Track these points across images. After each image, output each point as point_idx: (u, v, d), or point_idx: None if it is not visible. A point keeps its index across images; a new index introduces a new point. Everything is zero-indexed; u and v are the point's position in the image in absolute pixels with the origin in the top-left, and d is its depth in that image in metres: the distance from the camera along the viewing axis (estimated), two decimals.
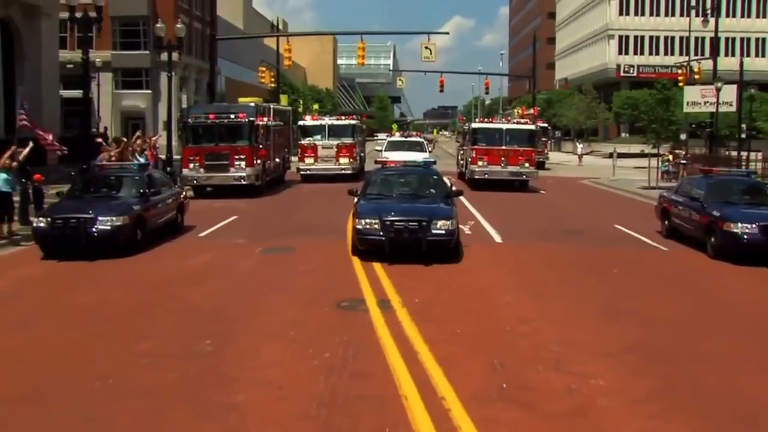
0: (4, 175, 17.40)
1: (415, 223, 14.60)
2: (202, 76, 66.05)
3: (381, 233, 14.59)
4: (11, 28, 37.79)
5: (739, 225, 15.55)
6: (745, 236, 15.45)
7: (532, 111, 65.53)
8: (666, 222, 19.36)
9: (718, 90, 41.01)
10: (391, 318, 10.67)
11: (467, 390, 7.74)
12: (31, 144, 20.10)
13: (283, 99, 60.48)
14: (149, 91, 60.42)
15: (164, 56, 52.44)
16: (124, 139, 28.87)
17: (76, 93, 52.51)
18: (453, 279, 13.62)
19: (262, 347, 9.44)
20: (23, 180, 19.66)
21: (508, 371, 8.53)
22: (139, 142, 29.41)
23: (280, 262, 15.36)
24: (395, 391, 7.76)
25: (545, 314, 11.28)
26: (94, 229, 15.18)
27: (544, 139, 53.34)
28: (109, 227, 15.27)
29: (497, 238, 18.86)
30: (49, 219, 15.47)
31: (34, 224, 15.91)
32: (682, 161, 40.52)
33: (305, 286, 13.08)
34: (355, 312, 11.14)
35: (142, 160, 27.27)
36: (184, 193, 20.97)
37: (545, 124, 60.09)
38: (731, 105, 43.98)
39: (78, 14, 25.23)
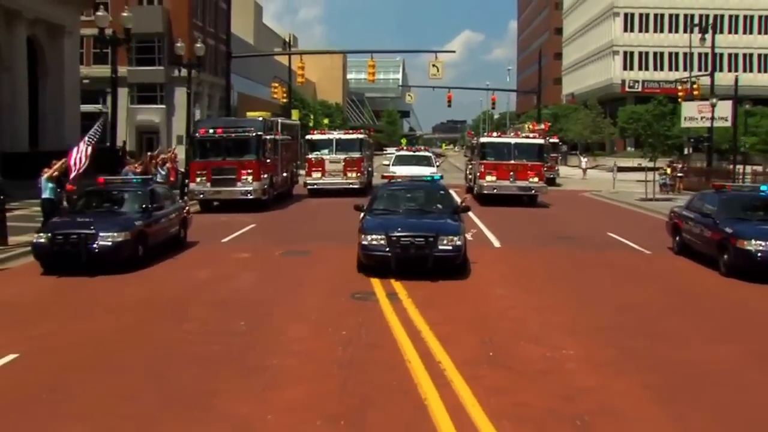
0: (51, 185, 19.21)
1: (422, 239, 14.42)
2: (214, 91, 68.05)
3: (387, 249, 14.45)
4: (36, 46, 39.70)
5: (753, 242, 15.04)
6: (759, 254, 14.91)
7: (543, 126, 63.98)
8: (677, 238, 18.88)
9: (713, 106, 42.71)
10: (398, 306, 12.36)
11: (460, 357, 9.43)
12: (64, 159, 21.84)
13: (295, 114, 62.38)
14: (163, 106, 62.33)
15: (178, 72, 54.75)
16: (154, 154, 30.30)
17: (91, 107, 54.57)
18: (454, 276, 15.12)
19: (288, 327, 11.18)
20: (58, 190, 21.41)
21: (495, 344, 10.24)
22: (163, 156, 31.20)
23: (299, 263, 17.07)
24: (401, 358, 9.48)
25: (531, 303, 13.06)
26: (95, 245, 14.89)
27: (555, 154, 51.34)
28: (110, 243, 14.99)
29: (496, 243, 20.54)
30: (49, 235, 15.12)
31: (34, 240, 15.56)
32: (679, 174, 42.19)
33: (322, 281, 14.80)
34: (367, 301, 12.82)
35: (163, 173, 29.14)
36: (187, 207, 20.66)
37: (557, 140, 57.42)
38: (726, 120, 45.66)
39: (108, 32, 26.61)
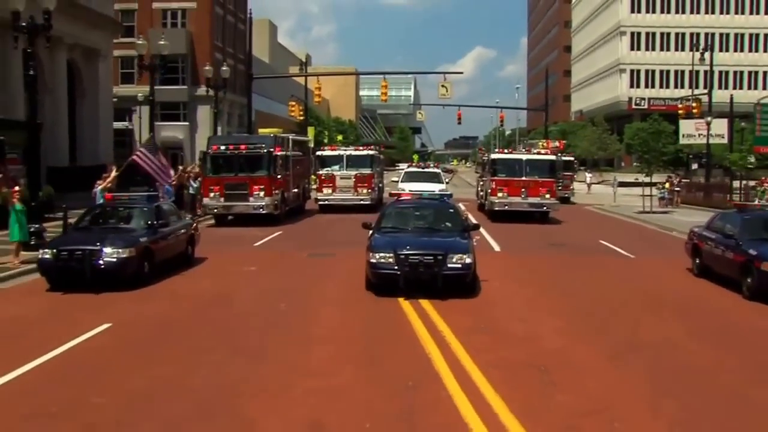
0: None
1: (431, 257, 14.33)
2: (233, 108, 70.96)
3: (396, 267, 14.36)
4: (74, 69, 42.67)
5: None
6: None
7: (557, 144, 62.68)
8: (697, 260, 18.17)
9: (708, 124, 45.15)
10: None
11: (458, 329, 11.96)
12: (114, 170, 24.56)
13: (311, 131, 65.22)
14: (187, 123, 65.12)
15: (200, 91, 57.61)
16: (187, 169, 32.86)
17: (119, 125, 57.48)
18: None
19: (321, 309, 13.82)
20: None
21: (488, 321, 12.82)
22: (191, 169, 33.88)
23: (325, 263, 19.75)
24: (411, 329, 12.08)
25: (521, 294, 15.73)
26: (100, 261, 14.90)
27: (569, 173, 49.35)
28: (115, 259, 14.99)
29: (497, 248, 23.12)
30: (54, 251, 15.20)
31: (40, 256, 15.62)
32: (676, 188, 44.60)
33: (346, 276, 17.23)
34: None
35: (195, 185, 31.82)
36: (195, 224, 20.80)
37: (571, 158, 54.84)
38: (723, 137, 48.06)
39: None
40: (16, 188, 18.53)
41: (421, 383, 9.26)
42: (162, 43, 30.05)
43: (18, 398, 8.70)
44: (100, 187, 22.34)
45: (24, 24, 18.65)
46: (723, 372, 10.14)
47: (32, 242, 18.32)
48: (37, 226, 18.91)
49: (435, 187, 32.56)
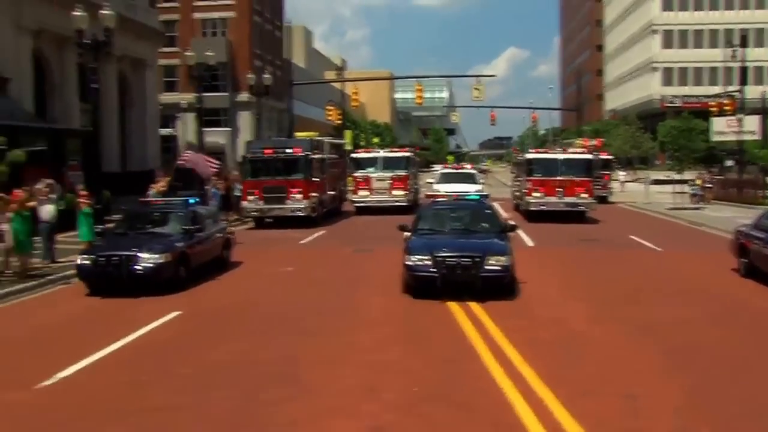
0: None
1: (468, 260, 14.29)
2: (271, 113, 72.64)
3: (433, 269, 14.34)
4: (122, 79, 44.65)
5: None
6: None
7: (595, 142, 62.09)
8: (745, 260, 17.25)
9: (740, 120, 45.70)
10: None
11: (492, 312, 13.23)
12: (168, 177, 26.22)
13: (348, 135, 66.70)
14: (228, 129, 66.96)
15: (241, 97, 59.39)
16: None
17: (164, 131, 59.50)
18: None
19: (368, 298, 15.18)
20: None
21: (520, 306, 14.11)
22: (233, 172, 35.48)
23: (366, 257, 21.35)
24: (450, 313, 13.38)
25: (550, 282, 16.96)
26: (137, 267, 15.19)
27: (607, 172, 48.61)
28: (151, 264, 15.24)
29: (530, 243, 24.31)
30: (93, 257, 15.60)
31: (79, 261, 15.92)
32: (708, 185, 45.16)
33: (385, 268, 18.29)
34: None
35: (240, 187, 33.34)
36: (231, 228, 21.24)
37: (610, 156, 53.62)
38: (754, 133, 48.52)
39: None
40: (84, 193, 20.10)
41: (462, 358, 10.53)
42: (209, 54, 31.68)
43: (114, 369, 10.22)
44: (153, 191, 23.92)
45: (88, 41, 20.24)
46: (731, 347, 11.29)
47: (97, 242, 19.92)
48: (101, 227, 20.48)
49: (471, 188, 33.23)
